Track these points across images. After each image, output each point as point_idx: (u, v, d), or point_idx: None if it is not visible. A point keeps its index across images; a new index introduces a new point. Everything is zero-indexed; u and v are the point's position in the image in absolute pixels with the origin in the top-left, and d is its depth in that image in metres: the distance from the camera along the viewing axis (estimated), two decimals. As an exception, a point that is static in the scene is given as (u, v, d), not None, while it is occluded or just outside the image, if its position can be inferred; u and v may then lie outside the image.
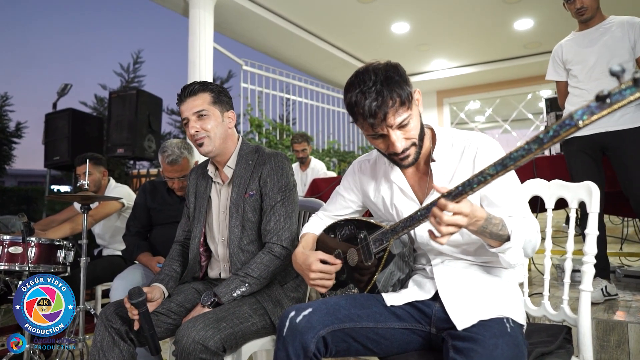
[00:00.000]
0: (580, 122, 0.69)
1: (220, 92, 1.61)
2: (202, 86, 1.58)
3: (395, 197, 1.27)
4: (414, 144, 1.16)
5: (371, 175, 1.37)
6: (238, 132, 1.72)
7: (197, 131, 1.55)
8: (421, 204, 1.23)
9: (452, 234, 0.95)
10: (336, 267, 1.27)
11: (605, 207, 2.41)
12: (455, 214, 0.92)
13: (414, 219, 1.07)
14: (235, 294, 1.45)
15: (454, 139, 1.23)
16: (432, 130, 1.26)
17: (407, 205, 1.25)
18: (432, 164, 1.21)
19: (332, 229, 1.38)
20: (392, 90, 1.08)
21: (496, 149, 1.18)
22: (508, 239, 1.03)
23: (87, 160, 2.43)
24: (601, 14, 2.41)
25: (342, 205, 1.45)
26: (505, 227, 1.03)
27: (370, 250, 1.21)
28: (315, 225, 1.47)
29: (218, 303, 1.44)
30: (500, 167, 0.85)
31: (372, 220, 1.25)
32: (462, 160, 1.19)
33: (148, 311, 1.37)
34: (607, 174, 2.38)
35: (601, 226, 2.36)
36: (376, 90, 1.08)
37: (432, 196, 1.20)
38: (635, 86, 0.62)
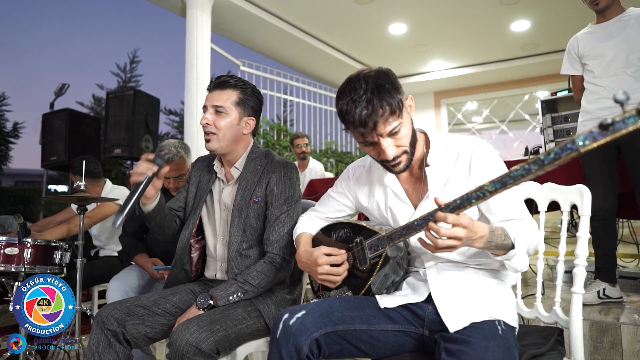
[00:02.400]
0: (582, 148, 0.71)
1: (250, 96, 1.58)
2: (235, 82, 1.55)
3: (390, 200, 1.28)
4: (405, 152, 1.17)
5: (366, 180, 1.37)
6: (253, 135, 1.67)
7: (207, 124, 1.53)
8: (415, 208, 1.24)
9: (451, 247, 0.95)
10: (342, 256, 1.24)
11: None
12: (454, 225, 0.93)
13: (411, 228, 1.07)
14: (231, 298, 1.45)
15: (447, 143, 1.23)
16: (425, 134, 1.26)
17: (402, 209, 1.25)
18: (426, 168, 1.21)
19: (327, 230, 1.39)
20: (382, 99, 1.08)
21: (491, 153, 1.19)
22: (512, 246, 1.04)
23: (83, 172, 2.40)
24: (619, 5, 2.26)
25: (334, 208, 1.45)
26: (507, 235, 1.04)
27: (366, 255, 1.22)
28: (309, 225, 1.47)
29: (213, 306, 1.44)
30: (499, 185, 0.87)
31: (368, 225, 1.26)
32: (457, 165, 1.19)
33: (148, 182, 1.36)
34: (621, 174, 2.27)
35: (612, 228, 2.30)
36: (366, 99, 1.08)
37: (427, 200, 1.21)
38: (638, 115, 0.64)
